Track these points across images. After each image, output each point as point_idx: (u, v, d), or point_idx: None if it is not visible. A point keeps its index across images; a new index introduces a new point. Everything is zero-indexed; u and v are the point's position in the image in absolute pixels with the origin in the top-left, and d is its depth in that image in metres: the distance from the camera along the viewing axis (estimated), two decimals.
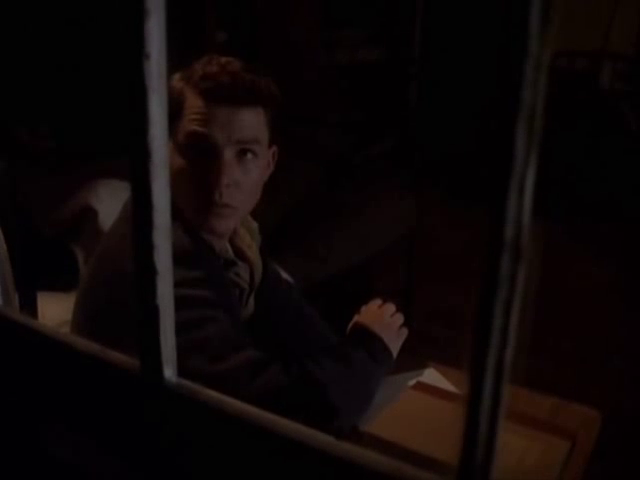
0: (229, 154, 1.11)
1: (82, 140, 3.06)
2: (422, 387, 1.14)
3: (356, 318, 1.30)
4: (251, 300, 1.31)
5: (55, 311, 1.56)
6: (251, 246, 1.30)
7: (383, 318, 1.28)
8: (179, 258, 1.01)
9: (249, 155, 1.13)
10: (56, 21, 3.06)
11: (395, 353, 1.26)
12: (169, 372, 0.44)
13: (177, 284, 1.10)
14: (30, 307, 1.51)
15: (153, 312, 0.42)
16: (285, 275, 1.54)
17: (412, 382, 1.23)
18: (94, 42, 2.75)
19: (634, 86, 4.73)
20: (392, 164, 4.19)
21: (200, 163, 1.11)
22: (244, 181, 1.13)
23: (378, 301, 1.34)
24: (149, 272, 0.41)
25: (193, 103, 1.11)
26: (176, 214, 1.12)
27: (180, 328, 1.01)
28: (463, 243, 3.72)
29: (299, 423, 0.40)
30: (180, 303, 1.04)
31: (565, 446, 0.86)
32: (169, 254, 0.42)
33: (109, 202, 1.74)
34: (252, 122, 1.13)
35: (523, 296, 0.30)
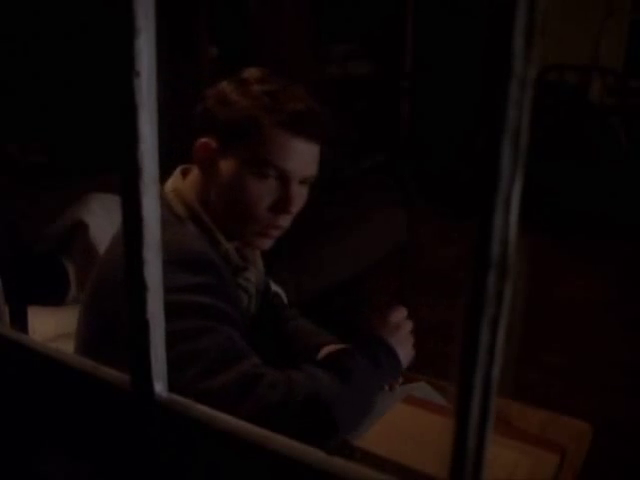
0: (296, 184, 1.17)
1: (73, 156, 3.06)
2: (414, 401, 1.14)
3: (364, 322, 1.27)
4: (257, 305, 1.31)
5: (46, 325, 1.55)
6: (254, 250, 1.31)
7: (391, 322, 1.24)
8: (187, 262, 1.03)
9: (306, 185, 1.20)
10: (47, 39, 3.07)
11: (405, 359, 1.23)
12: (159, 387, 0.44)
13: (180, 289, 1.09)
14: (21, 322, 1.51)
15: (143, 327, 0.42)
16: (274, 287, 1.54)
17: (404, 396, 1.22)
18: (85, 59, 2.76)
19: (623, 100, 4.77)
20: (384, 178, 4.20)
21: (269, 188, 1.15)
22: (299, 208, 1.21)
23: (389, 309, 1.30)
24: (139, 287, 0.41)
25: (271, 132, 1.14)
26: (195, 216, 1.14)
27: (177, 337, 1.00)
28: (456, 257, 3.73)
29: (297, 439, 0.40)
30: (179, 310, 1.03)
31: (555, 459, 0.86)
32: (159, 269, 0.42)
33: (100, 216, 1.74)
34: (318, 158, 1.20)
35: (511, 311, 0.30)
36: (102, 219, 1.72)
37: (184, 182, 1.21)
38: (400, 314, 1.27)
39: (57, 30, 3.05)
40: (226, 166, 1.15)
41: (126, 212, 0.40)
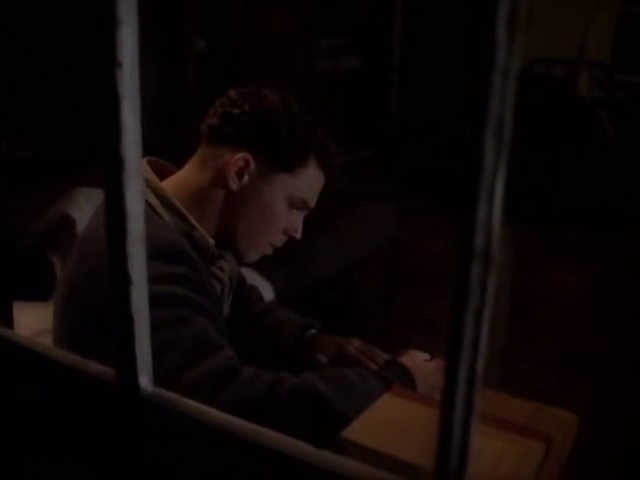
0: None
1: (62, 151, 3.04)
2: (403, 393, 1.14)
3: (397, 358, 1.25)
4: (230, 296, 1.31)
5: (31, 321, 1.54)
6: None
7: (427, 371, 1.22)
8: (161, 253, 1.02)
9: None
10: (33, 32, 3.05)
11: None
12: (145, 381, 0.43)
13: (154, 280, 1.10)
14: (6, 317, 1.50)
15: (127, 321, 0.42)
16: (250, 281, 1.54)
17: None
18: (72, 52, 2.74)
19: (610, 93, 4.79)
20: (373, 172, 4.20)
21: (290, 217, 1.23)
22: None
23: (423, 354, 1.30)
24: (123, 281, 0.41)
25: (315, 175, 1.22)
26: (169, 205, 1.14)
27: (151, 328, 1.01)
28: (445, 250, 3.74)
29: (294, 434, 0.40)
30: (153, 301, 1.04)
31: (541, 448, 0.87)
32: (144, 263, 0.42)
33: (88, 211, 1.72)
34: None
35: (499, 302, 0.30)
36: (89, 214, 1.70)
37: (169, 181, 1.20)
38: (440, 364, 1.25)
39: (42, 23, 3.03)
40: (264, 191, 1.19)
41: (109, 206, 0.40)
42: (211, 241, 1.19)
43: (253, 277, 1.98)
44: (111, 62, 0.36)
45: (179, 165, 1.26)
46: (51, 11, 3.00)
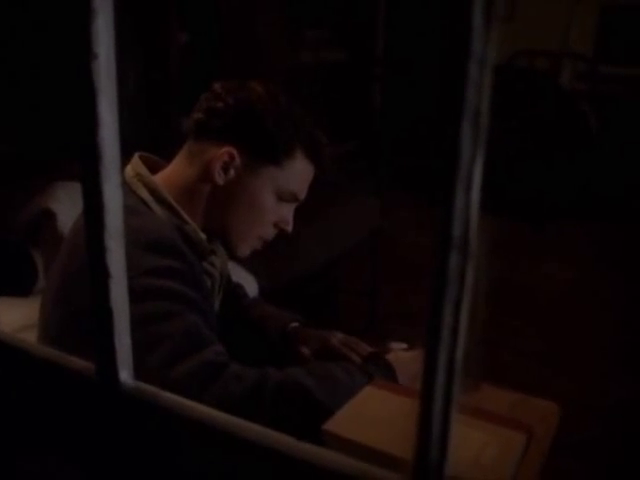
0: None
1: (41, 145, 3.02)
2: (385, 385, 1.14)
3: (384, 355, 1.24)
4: (220, 292, 1.31)
5: (13, 316, 1.53)
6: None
7: (407, 361, 1.21)
8: (156, 246, 1.02)
9: None
10: (9, 26, 3.01)
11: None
12: (125, 375, 0.43)
13: (148, 272, 1.08)
14: None
15: (107, 315, 0.41)
16: (236, 278, 1.53)
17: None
18: (50, 44, 2.72)
19: (593, 85, 4.82)
20: (357, 165, 4.20)
21: (280, 210, 1.23)
22: None
23: (403, 345, 1.31)
24: (102, 275, 0.41)
25: (303, 167, 1.21)
26: (161, 199, 1.13)
27: (143, 320, 0.99)
28: (430, 243, 3.75)
29: (278, 428, 0.40)
30: (147, 293, 1.02)
31: (522, 439, 0.87)
32: (122, 257, 0.41)
33: (68, 204, 1.71)
34: None
35: (475, 293, 0.30)
36: (69, 207, 1.69)
37: (159, 176, 1.20)
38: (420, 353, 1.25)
39: (16, 16, 3.00)
40: (252, 184, 1.18)
41: (87, 199, 0.40)
42: (203, 236, 1.18)
43: (237, 271, 1.98)
44: (87, 54, 0.35)
45: (164, 159, 1.26)
46: (27, 3, 2.96)
